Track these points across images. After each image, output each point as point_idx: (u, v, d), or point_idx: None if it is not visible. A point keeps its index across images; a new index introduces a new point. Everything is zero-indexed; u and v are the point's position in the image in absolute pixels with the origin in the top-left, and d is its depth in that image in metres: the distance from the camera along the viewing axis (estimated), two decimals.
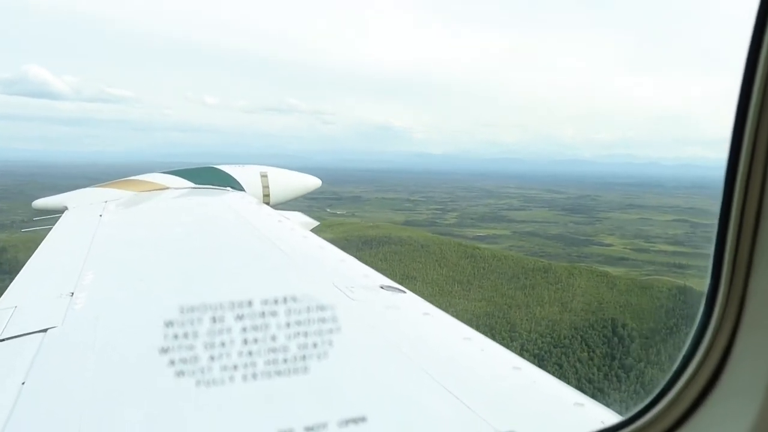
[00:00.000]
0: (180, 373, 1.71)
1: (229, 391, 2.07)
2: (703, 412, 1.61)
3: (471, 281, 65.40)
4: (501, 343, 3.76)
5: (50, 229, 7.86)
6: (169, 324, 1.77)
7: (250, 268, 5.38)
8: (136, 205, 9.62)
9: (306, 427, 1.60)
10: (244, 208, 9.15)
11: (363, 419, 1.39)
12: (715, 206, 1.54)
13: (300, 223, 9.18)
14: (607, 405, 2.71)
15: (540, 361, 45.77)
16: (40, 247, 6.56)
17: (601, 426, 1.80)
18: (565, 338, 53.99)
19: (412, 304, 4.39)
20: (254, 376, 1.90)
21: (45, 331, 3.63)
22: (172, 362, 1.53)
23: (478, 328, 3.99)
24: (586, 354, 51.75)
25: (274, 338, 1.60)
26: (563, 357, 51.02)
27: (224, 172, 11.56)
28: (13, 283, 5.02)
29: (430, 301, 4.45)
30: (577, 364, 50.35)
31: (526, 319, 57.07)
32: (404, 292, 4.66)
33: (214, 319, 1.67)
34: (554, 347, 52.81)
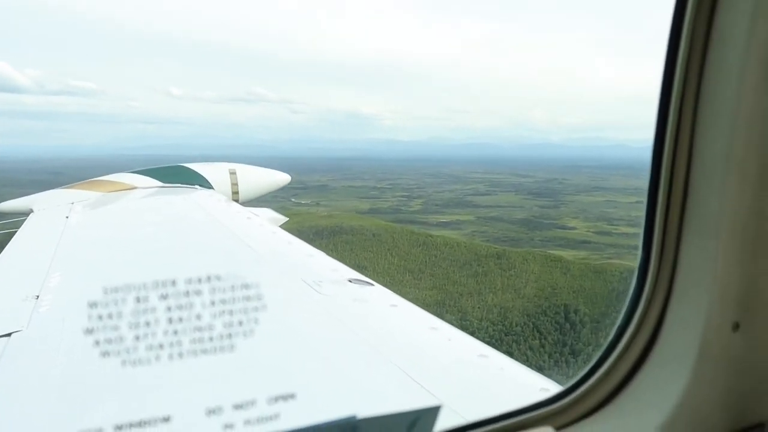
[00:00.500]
0: (148, 376, 1.76)
1: (200, 393, 2.18)
2: (637, 380, 1.68)
3: (422, 270, 64.39)
4: None
5: (15, 231, 7.79)
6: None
7: (219, 266, 5.16)
8: (104, 206, 9.62)
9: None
10: (212, 205, 9.29)
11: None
12: None
13: (269, 219, 9.41)
14: None
15: None
16: (5, 250, 6.48)
17: (535, 400, 1.78)
18: (516, 326, 53.47)
19: (379, 297, 4.48)
20: (218, 374, 1.99)
21: (9, 335, 3.60)
22: (138, 363, 1.42)
23: None
24: (537, 341, 51.26)
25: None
26: (514, 345, 50.33)
27: (192, 170, 11.56)
28: None
29: None
30: (528, 352, 49.70)
31: (478, 307, 56.48)
32: (372, 284, 4.74)
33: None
34: (506, 335, 52.17)
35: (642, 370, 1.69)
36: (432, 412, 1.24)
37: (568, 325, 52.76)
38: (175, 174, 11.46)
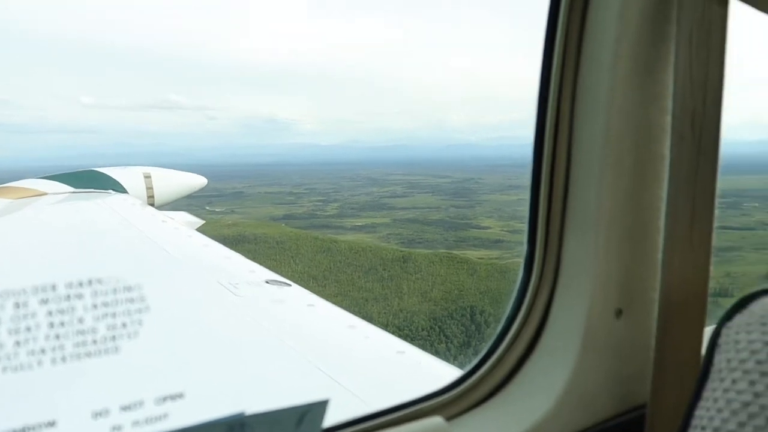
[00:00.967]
0: (39, 380, 1.50)
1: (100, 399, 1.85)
2: (526, 369, 1.73)
3: (327, 276, 62.97)
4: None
5: None
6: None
7: (133, 271, 3.45)
8: (11, 213, 9.19)
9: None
10: (126, 210, 9.13)
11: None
12: None
13: (185, 222, 9.38)
14: None
15: None
16: None
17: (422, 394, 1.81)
18: (423, 330, 53.06)
19: (297, 297, 4.60)
20: (127, 378, 1.98)
21: None
22: (36, 376, 1.33)
23: None
24: (444, 345, 50.87)
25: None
26: (421, 350, 49.71)
27: (105, 174, 11.31)
28: None
29: None
30: (435, 356, 49.15)
31: (384, 312, 55.74)
32: (289, 285, 4.87)
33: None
34: (412, 340, 51.43)
35: (530, 359, 1.72)
36: (321, 406, 1.23)
37: (473, 327, 52.72)
38: (88, 179, 11.16)
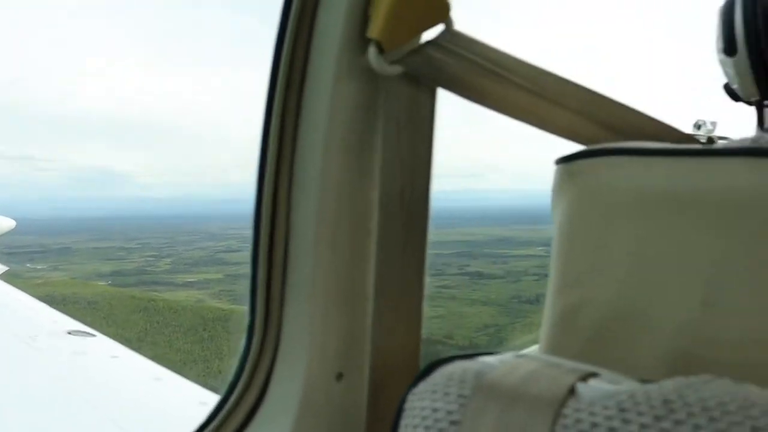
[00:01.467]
0: None
1: None
2: None
3: (142, 338, 59.20)
4: None
5: None
6: None
7: None
8: None
9: None
10: None
11: None
12: None
13: None
14: None
15: None
16: None
17: None
18: None
19: (100, 348, 4.42)
20: None
21: None
22: None
23: None
24: None
25: None
26: None
27: None
28: None
29: None
30: None
31: (203, 375, 53.96)
32: (94, 335, 4.72)
33: None
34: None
35: (249, 427, 1.81)
36: None
37: None
38: None
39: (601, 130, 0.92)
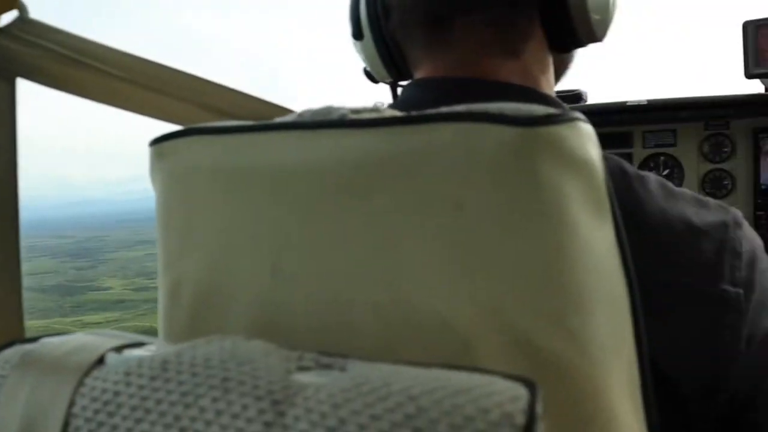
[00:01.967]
0: None
1: None
2: None
3: None
4: None
5: None
6: None
7: None
8: None
9: None
10: None
11: None
12: None
13: None
14: None
15: None
16: None
17: None
18: None
19: None
20: None
21: None
22: None
23: None
24: None
25: None
26: None
27: None
28: None
29: None
30: None
31: None
32: None
33: None
34: None
35: None
36: None
37: None
38: None
39: (210, 115, 0.92)
